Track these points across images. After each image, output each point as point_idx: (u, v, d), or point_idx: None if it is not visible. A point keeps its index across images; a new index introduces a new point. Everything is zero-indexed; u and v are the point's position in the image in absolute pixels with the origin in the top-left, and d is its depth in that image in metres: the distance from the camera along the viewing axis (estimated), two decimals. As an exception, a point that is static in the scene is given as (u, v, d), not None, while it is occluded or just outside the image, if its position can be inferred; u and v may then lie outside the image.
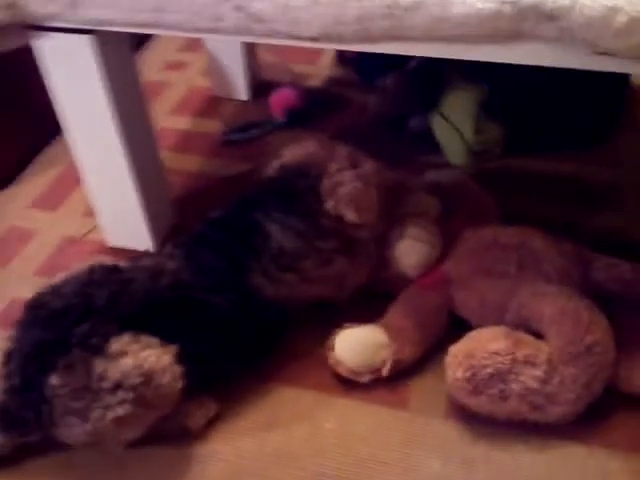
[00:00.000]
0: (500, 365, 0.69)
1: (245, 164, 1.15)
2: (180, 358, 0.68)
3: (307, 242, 0.78)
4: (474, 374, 0.70)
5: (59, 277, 0.72)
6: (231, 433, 0.75)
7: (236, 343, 0.76)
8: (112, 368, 0.63)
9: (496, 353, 0.70)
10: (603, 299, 0.76)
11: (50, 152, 1.22)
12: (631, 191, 1.07)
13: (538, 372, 0.69)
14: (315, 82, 1.40)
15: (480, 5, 0.60)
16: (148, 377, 0.65)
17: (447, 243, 0.86)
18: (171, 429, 0.73)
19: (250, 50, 1.32)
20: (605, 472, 0.70)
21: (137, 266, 0.75)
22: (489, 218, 0.91)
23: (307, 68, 1.44)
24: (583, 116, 1.12)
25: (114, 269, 0.73)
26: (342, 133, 1.20)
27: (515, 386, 0.69)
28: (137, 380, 0.64)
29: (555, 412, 0.70)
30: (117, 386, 0.63)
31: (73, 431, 0.64)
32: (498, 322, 0.76)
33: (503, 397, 0.70)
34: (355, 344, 0.78)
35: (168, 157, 1.18)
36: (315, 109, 1.27)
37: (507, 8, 0.59)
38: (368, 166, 0.82)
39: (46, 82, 0.82)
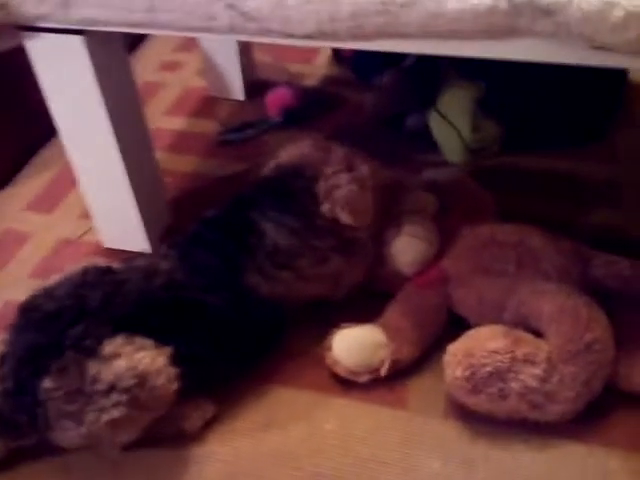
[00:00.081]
0: (499, 364, 0.69)
1: (241, 164, 1.15)
2: (175, 359, 0.67)
3: (302, 240, 0.77)
4: (473, 373, 0.70)
5: (52, 279, 0.71)
6: (228, 434, 0.74)
7: (232, 343, 0.75)
8: (106, 370, 0.63)
9: (495, 352, 0.70)
10: (602, 296, 0.75)
11: (45, 154, 1.21)
12: (629, 188, 1.06)
13: (537, 370, 0.69)
14: (311, 81, 1.39)
15: (475, 0, 0.59)
16: (142, 379, 0.64)
17: (444, 241, 0.86)
18: (167, 431, 0.72)
19: (245, 50, 1.31)
20: (605, 471, 0.70)
21: (131, 267, 0.74)
22: (486, 216, 0.91)
23: (303, 67, 1.43)
24: (581, 113, 1.12)
25: (107, 270, 0.73)
26: (339, 132, 1.19)
27: (514, 385, 0.69)
28: (131, 382, 0.63)
29: (555, 411, 0.70)
30: (111, 388, 0.63)
31: (67, 434, 0.64)
32: (497, 320, 0.75)
33: (502, 396, 0.69)
34: (353, 344, 0.78)
35: (164, 158, 1.17)
36: (311, 108, 1.27)
37: (502, 3, 0.59)
38: (364, 168, 0.81)
39: (39, 83, 0.82)
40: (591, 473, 0.70)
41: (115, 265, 0.74)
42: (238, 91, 1.33)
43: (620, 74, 1.14)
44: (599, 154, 1.13)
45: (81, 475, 0.71)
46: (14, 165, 1.18)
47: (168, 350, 0.67)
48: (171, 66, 1.49)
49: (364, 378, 0.77)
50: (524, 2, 0.58)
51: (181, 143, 1.23)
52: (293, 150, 0.85)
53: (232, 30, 0.69)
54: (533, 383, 0.68)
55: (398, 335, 0.78)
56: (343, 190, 0.78)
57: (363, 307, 0.82)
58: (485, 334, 0.73)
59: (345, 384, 0.78)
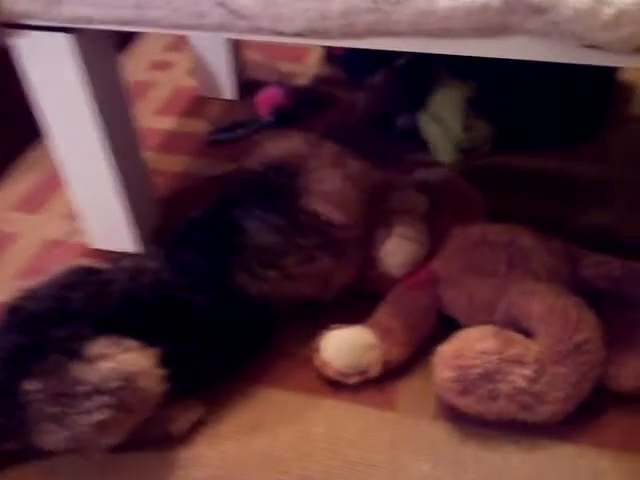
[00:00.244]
0: (488, 365, 0.69)
1: (232, 164, 1.14)
2: (162, 360, 0.66)
3: (287, 239, 0.77)
4: (463, 374, 0.69)
5: (37, 280, 0.70)
6: (215, 437, 0.74)
7: (219, 343, 0.74)
8: (90, 372, 0.62)
9: (484, 353, 0.69)
10: (592, 297, 0.75)
11: (32, 154, 1.20)
12: (619, 187, 1.06)
13: (527, 371, 0.68)
14: (302, 81, 1.38)
15: (467, -2, 0.59)
16: (128, 381, 0.63)
17: (435, 241, 0.85)
18: (154, 433, 0.72)
19: (236, 49, 1.31)
20: (595, 471, 0.69)
21: (117, 267, 0.73)
22: (477, 216, 0.90)
23: (294, 66, 1.43)
24: (571, 113, 1.12)
25: (93, 271, 0.72)
26: (330, 132, 1.19)
27: (504, 386, 0.68)
28: (116, 384, 0.62)
29: (544, 411, 0.69)
30: (95, 391, 0.62)
31: (51, 437, 0.63)
32: (487, 321, 0.75)
33: (492, 397, 0.69)
34: (342, 345, 0.77)
35: (153, 157, 1.17)
36: (303, 108, 1.26)
37: (495, 1, 0.58)
38: (355, 165, 0.80)
39: (26, 82, 0.81)
40: (581, 474, 0.69)
41: (101, 265, 0.74)
42: (229, 90, 1.32)
43: (609, 73, 1.14)
44: (590, 154, 1.13)
45: (67, 477, 0.70)
46: (0, 165, 1.17)
47: (154, 351, 0.66)
48: (161, 65, 1.48)
49: (353, 380, 0.77)
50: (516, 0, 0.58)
51: (171, 143, 1.22)
52: (280, 144, 0.84)
53: (222, 28, 0.68)
54: (523, 384, 0.68)
55: (388, 336, 0.78)
56: (323, 184, 0.78)
57: (353, 308, 0.82)
58: (474, 335, 0.72)
59: (334, 385, 0.77)
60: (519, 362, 0.69)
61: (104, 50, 0.83)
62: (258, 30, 0.67)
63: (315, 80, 1.39)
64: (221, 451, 0.72)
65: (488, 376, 0.69)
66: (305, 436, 0.74)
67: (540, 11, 0.58)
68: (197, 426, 0.74)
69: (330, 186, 0.78)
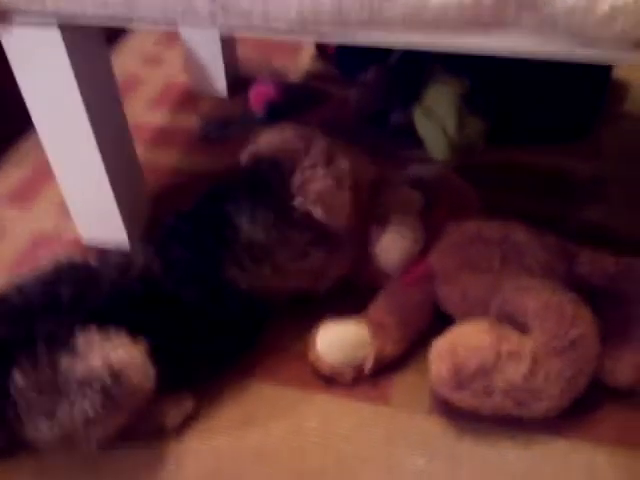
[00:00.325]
0: (484, 360, 0.68)
1: (224, 160, 1.13)
2: (152, 354, 0.65)
3: (278, 235, 0.76)
4: (458, 370, 0.69)
5: (25, 274, 0.69)
6: (207, 432, 0.73)
7: (210, 338, 0.73)
8: (79, 365, 0.61)
9: (480, 348, 0.69)
10: (587, 293, 0.74)
11: (22, 147, 1.18)
12: (614, 184, 1.06)
13: (522, 367, 0.68)
14: (295, 77, 1.38)
15: (461, -9, 0.58)
16: (118, 374, 0.62)
17: (430, 237, 0.85)
18: (146, 428, 0.70)
19: (228, 45, 1.30)
20: (590, 466, 0.69)
21: (106, 261, 0.72)
22: (472, 212, 0.90)
23: (287, 63, 1.42)
24: (565, 110, 1.12)
25: (82, 264, 0.71)
26: (323, 128, 1.18)
27: (499, 381, 0.68)
28: (106, 377, 0.61)
29: (540, 407, 0.69)
30: (85, 384, 0.60)
31: (40, 431, 0.62)
32: (481, 317, 0.74)
33: (487, 392, 0.68)
34: (336, 341, 0.76)
35: (145, 153, 1.16)
36: (295, 104, 1.25)
37: (488, -6, 0.58)
38: (344, 163, 0.79)
39: (15, 76, 0.79)
40: (577, 468, 0.69)
41: (90, 259, 0.72)
42: (221, 86, 1.31)
43: (604, 70, 1.14)
44: (585, 150, 1.13)
45: (57, 473, 0.69)
46: (-10, 159, 1.15)
47: (145, 344, 0.65)
48: (153, 60, 1.47)
49: (347, 376, 0.76)
50: (510, -6, 0.58)
51: (162, 138, 1.21)
52: (273, 137, 0.83)
53: (213, 24, 0.67)
54: (518, 380, 0.68)
55: (382, 332, 0.77)
56: (317, 184, 0.76)
57: (347, 302, 0.81)
58: (470, 330, 0.72)
59: (328, 380, 0.77)
60: (515, 358, 0.68)
61: (94, 44, 0.82)
62: (250, 26, 0.66)
63: (308, 77, 1.38)
64: (213, 446, 0.71)
65: (483, 371, 0.68)
66: (298, 431, 0.73)
67: (534, 6, 0.58)
68: (189, 420, 0.73)
69: (323, 187, 0.77)
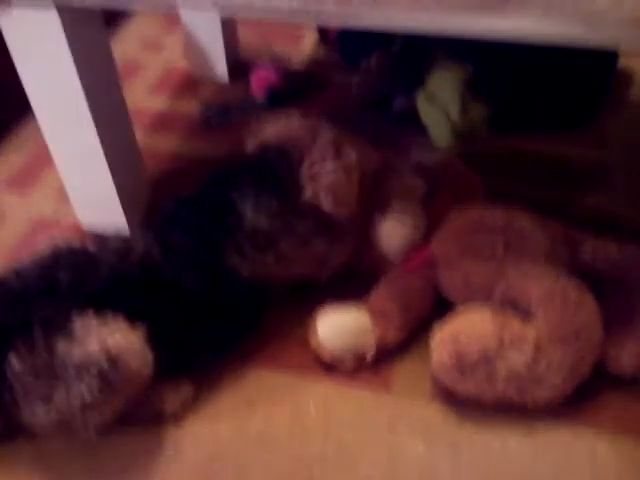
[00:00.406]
0: (486, 348, 0.67)
1: (224, 145, 1.12)
2: (151, 339, 0.65)
3: (283, 223, 0.75)
4: (460, 357, 0.68)
5: (24, 258, 0.68)
6: (208, 417, 0.72)
7: (209, 324, 0.73)
8: (77, 349, 0.60)
9: (482, 335, 0.68)
10: (591, 280, 0.74)
11: (21, 133, 1.17)
12: (618, 172, 1.05)
13: (525, 354, 0.67)
14: (297, 63, 1.36)
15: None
16: (115, 359, 0.61)
17: (432, 224, 0.84)
18: (145, 413, 0.70)
19: (229, 29, 1.28)
20: (592, 454, 0.69)
21: (105, 246, 0.71)
22: (475, 199, 0.89)
23: (289, 48, 1.41)
24: (570, 97, 1.11)
25: (80, 249, 0.70)
26: (325, 114, 1.17)
27: (502, 369, 0.67)
28: (104, 362, 0.60)
29: (542, 395, 0.68)
30: (82, 369, 0.60)
31: (37, 416, 0.61)
32: (483, 304, 0.74)
33: (489, 380, 0.68)
34: (338, 328, 0.76)
35: (145, 138, 1.15)
36: (296, 90, 1.24)
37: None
38: (352, 155, 0.78)
39: (14, 62, 0.78)
40: (578, 456, 0.69)
41: (89, 245, 0.72)
42: (221, 71, 1.30)
43: (610, 57, 1.13)
44: (589, 138, 1.12)
45: (55, 459, 0.69)
46: (-12, 144, 1.15)
47: (143, 329, 0.65)
48: (153, 45, 1.45)
49: (349, 363, 0.76)
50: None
51: (162, 123, 1.20)
52: (279, 126, 0.82)
53: (215, 5, 0.66)
54: (520, 367, 0.67)
55: (384, 319, 0.76)
56: (328, 177, 0.76)
57: (348, 289, 0.80)
58: (472, 317, 0.71)
59: (329, 366, 0.76)
60: (517, 345, 0.68)
61: (93, 28, 0.81)
62: (251, 8, 0.65)
63: (310, 63, 1.37)
64: (213, 431, 0.71)
65: (486, 359, 0.67)
66: (299, 417, 0.72)
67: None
68: (188, 406, 0.73)
69: (333, 180, 0.76)
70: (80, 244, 0.72)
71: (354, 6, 0.63)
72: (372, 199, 0.84)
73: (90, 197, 0.93)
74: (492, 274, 0.76)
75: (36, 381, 0.60)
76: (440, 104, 1.08)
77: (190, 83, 1.31)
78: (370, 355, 0.75)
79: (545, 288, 0.71)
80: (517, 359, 0.67)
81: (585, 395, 0.72)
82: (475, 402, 0.71)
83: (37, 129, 0.85)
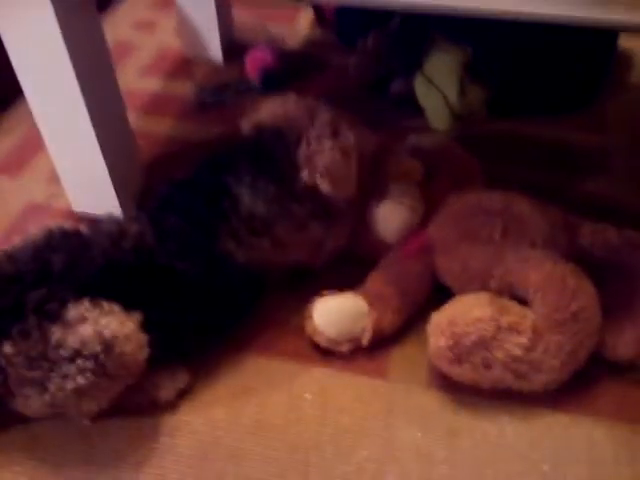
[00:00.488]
0: (484, 333, 0.67)
1: (219, 127, 1.10)
2: (146, 326, 0.64)
3: (279, 207, 0.74)
4: (457, 342, 0.67)
5: (15, 242, 0.67)
6: (203, 404, 0.72)
7: (204, 310, 0.72)
8: (70, 335, 0.59)
9: (480, 320, 0.67)
10: (590, 265, 0.73)
11: (12, 115, 1.16)
12: (618, 156, 1.05)
13: (522, 339, 0.67)
14: (293, 43, 1.34)
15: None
16: (110, 345, 0.60)
17: (430, 208, 0.83)
18: (140, 400, 0.70)
19: (223, 9, 1.26)
20: (589, 440, 0.69)
21: (98, 230, 0.70)
22: (474, 183, 0.88)
23: (284, 29, 1.38)
24: (569, 78, 1.10)
25: (73, 233, 0.69)
26: (321, 96, 1.15)
27: (499, 354, 0.67)
28: (98, 348, 0.60)
29: (539, 380, 0.68)
30: (76, 354, 0.59)
31: (31, 402, 0.60)
32: (481, 289, 0.73)
33: (486, 365, 0.68)
34: (334, 313, 0.75)
35: (138, 120, 1.13)
36: (292, 71, 1.22)
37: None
38: (350, 135, 0.77)
39: (4, 44, 0.77)
40: (576, 442, 0.68)
41: (82, 228, 0.70)
42: (216, 52, 1.28)
43: (610, 39, 1.12)
44: (588, 122, 1.11)
45: (50, 446, 0.68)
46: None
47: (137, 315, 0.64)
48: (146, 26, 1.43)
49: (345, 347, 0.75)
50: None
51: (156, 105, 1.18)
52: (275, 106, 0.80)
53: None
54: (518, 352, 0.67)
55: (380, 303, 0.76)
56: (325, 157, 0.74)
57: (345, 275, 0.79)
58: (469, 302, 0.70)
59: (325, 353, 0.76)
60: (515, 330, 0.67)
61: (85, 9, 0.79)
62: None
63: (305, 43, 1.35)
64: (209, 418, 0.70)
65: (483, 344, 0.67)
66: (295, 403, 0.72)
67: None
68: (184, 393, 0.72)
69: (330, 161, 0.75)
70: (73, 227, 0.71)
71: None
72: (369, 182, 0.83)
73: (82, 181, 0.91)
74: (490, 258, 0.75)
75: (31, 367, 0.59)
76: (438, 87, 1.06)
77: (184, 64, 1.29)
78: (367, 338, 0.75)
79: (544, 273, 0.70)
80: (515, 343, 0.67)
81: (583, 382, 0.71)
82: (472, 388, 0.70)
83: (29, 112, 0.84)
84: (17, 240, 0.69)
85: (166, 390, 0.71)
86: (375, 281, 0.79)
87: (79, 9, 0.77)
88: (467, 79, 1.06)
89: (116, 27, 1.42)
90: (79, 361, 0.59)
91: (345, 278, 0.79)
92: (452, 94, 1.05)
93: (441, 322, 0.70)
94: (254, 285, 0.77)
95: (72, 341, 0.59)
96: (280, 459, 0.67)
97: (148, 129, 1.11)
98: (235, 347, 0.77)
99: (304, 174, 0.75)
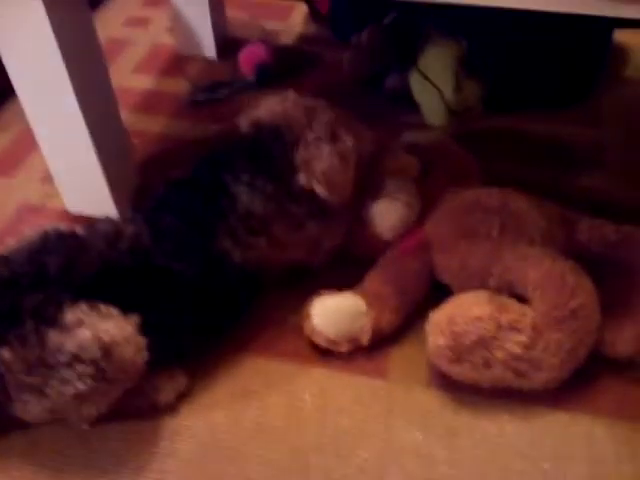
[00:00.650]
0: (483, 331, 0.67)
1: (213, 125, 1.10)
2: (144, 329, 0.63)
3: (277, 206, 0.73)
4: (456, 341, 0.67)
5: (10, 244, 0.67)
6: (202, 407, 0.71)
7: (202, 311, 0.71)
8: (68, 340, 0.59)
9: (479, 319, 0.67)
10: (588, 261, 0.73)
11: (4, 115, 1.14)
12: (614, 151, 1.04)
13: (522, 337, 0.67)
14: (287, 39, 1.33)
15: None
16: (109, 350, 0.60)
17: (427, 205, 0.83)
18: (139, 404, 0.69)
19: (217, 5, 1.25)
20: (590, 438, 0.69)
21: (94, 231, 0.69)
22: (471, 180, 0.88)
23: (278, 25, 1.37)
24: (564, 72, 1.09)
25: (69, 234, 0.68)
26: (316, 92, 1.15)
27: (499, 352, 0.67)
28: (96, 352, 0.59)
29: (539, 378, 0.68)
30: (75, 359, 0.58)
31: (30, 408, 0.60)
32: (479, 287, 0.73)
33: (486, 364, 0.67)
34: (332, 312, 0.75)
35: (132, 118, 1.12)
36: (287, 67, 1.22)
37: None
38: (348, 140, 0.76)
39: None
40: (576, 441, 0.68)
41: (78, 229, 0.70)
42: (209, 49, 1.27)
43: (605, 32, 1.11)
44: (584, 116, 1.11)
45: (49, 450, 0.68)
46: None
47: (135, 318, 0.63)
48: (138, 22, 1.42)
49: (344, 347, 0.75)
50: None
51: (149, 103, 1.17)
52: (274, 105, 0.79)
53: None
54: (518, 350, 0.66)
55: (379, 302, 0.75)
56: (323, 163, 0.74)
57: (343, 273, 0.79)
58: (469, 301, 0.70)
59: (324, 353, 0.75)
60: (514, 328, 0.67)
61: (76, 6, 0.78)
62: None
63: (300, 39, 1.34)
64: (209, 421, 0.70)
65: (482, 343, 0.67)
66: (295, 405, 0.72)
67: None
68: (183, 396, 0.72)
69: (328, 166, 0.74)
70: (68, 228, 0.70)
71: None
72: (365, 179, 0.82)
73: (76, 180, 0.90)
74: (488, 256, 0.75)
75: (29, 373, 0.58)
76: (434, 82, 1.06)
77: (177, 61, 1.28)
78: (365, 338, 0.74)
79: (543, 270, 0.70)
80: (514, 341, 0.66)
81: (583, 380, 0.71)
82: (472, 387, 0.70)
83: (22, 111, 0.83)
84: (12, 242, 0.69)
85: (165, 393, 0.70)
86: (373, 280, 0.78)
87: (71, 6, 0.76)
88: (462, 74, 1.05)
89: (108, 24, 1.40)
90: (78, 366, 0.58)
91: (343, 278, 0.78)
92: (448, 89, 1.04)
93: (440, 321, 0.69)
94: (251, 285, 0.77)
95: (70, 346, 0.59)
96: (281, 461, 0.67)
97: (142, 127, 1.10)
98: (233, 348, 0.76)
99: (301, 177, 0.74)
